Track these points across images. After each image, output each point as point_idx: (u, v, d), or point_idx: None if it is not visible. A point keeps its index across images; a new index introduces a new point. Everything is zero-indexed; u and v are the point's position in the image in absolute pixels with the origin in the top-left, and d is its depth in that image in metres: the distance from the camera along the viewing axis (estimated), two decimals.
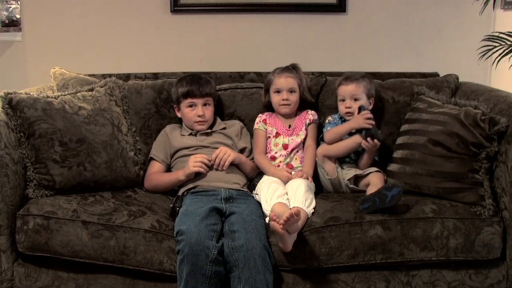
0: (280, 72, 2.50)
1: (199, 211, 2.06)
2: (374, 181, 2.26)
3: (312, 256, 2.04)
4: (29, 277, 2.13)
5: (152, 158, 2.46)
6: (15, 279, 2.14)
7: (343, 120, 2.44)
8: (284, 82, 2.47)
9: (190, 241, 1.92)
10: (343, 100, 2.41)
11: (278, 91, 2.48)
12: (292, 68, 2.52)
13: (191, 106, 2.46)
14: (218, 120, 2.56)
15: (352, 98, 2.39)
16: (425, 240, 2.06)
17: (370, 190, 2.19)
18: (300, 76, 2.52)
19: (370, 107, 2.41)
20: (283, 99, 2.47)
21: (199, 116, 2.44)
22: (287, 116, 2.52)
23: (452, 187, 2.14)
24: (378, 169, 2.34)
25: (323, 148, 2.40)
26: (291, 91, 2.48)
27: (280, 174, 2.33)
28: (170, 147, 2.45)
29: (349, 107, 2.39)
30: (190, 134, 2.48)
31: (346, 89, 2.40)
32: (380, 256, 2.06)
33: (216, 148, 2.38)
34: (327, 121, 2.47)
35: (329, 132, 2.40)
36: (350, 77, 2.43)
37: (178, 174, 2.33)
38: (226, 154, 2.32)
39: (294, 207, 2.07)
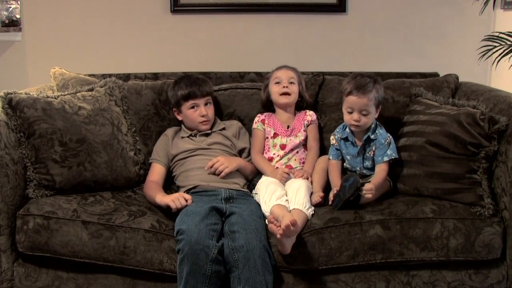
0: (279, 68, 2.55)
1: (199, 211, 2.07)
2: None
3: (312, 257, 2.04)
4: (29, 277, 2.13)
5: (153, 162, 2.44)
6: (15, 279, 2.14)
7: (345, 128, 2.30)
8: (284, 73, 2.51)
9: (190, 240, 1.93)
10: (351, 112, 2.22)
11: (278, 82, 2.50)
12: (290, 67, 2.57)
13: (193, 107, 2.45)
14: (218, 120, 2.56)
15: (361, 111, 2.20)
16: (425, 240, 2.05)
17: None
18: (298, 74, 2.55)
19: (376, 115, 2.26)
20: (284, 87, 2.47)
21: (202, 116, 2.44)
22: (285, 114, 2.51)
23: (451, 188, 2.14)
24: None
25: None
26: (290, 81, 2.50)
27: (276, 174, 2.32)
28: (170, 152, 2.45)
29: (357, 120, 2.22)
30: (190, 135, 2.47)
31: (356, 102, 2.18)
32: (380, 255, 2.06)
33: (216, 150, 2.39)
34: (331, 140, 2.35)
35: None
36: (363, 89, 2.20)
37: (158, 196, 2.20)
38: (223, 166, 2.31)
39: (290, 217, 2.02)
